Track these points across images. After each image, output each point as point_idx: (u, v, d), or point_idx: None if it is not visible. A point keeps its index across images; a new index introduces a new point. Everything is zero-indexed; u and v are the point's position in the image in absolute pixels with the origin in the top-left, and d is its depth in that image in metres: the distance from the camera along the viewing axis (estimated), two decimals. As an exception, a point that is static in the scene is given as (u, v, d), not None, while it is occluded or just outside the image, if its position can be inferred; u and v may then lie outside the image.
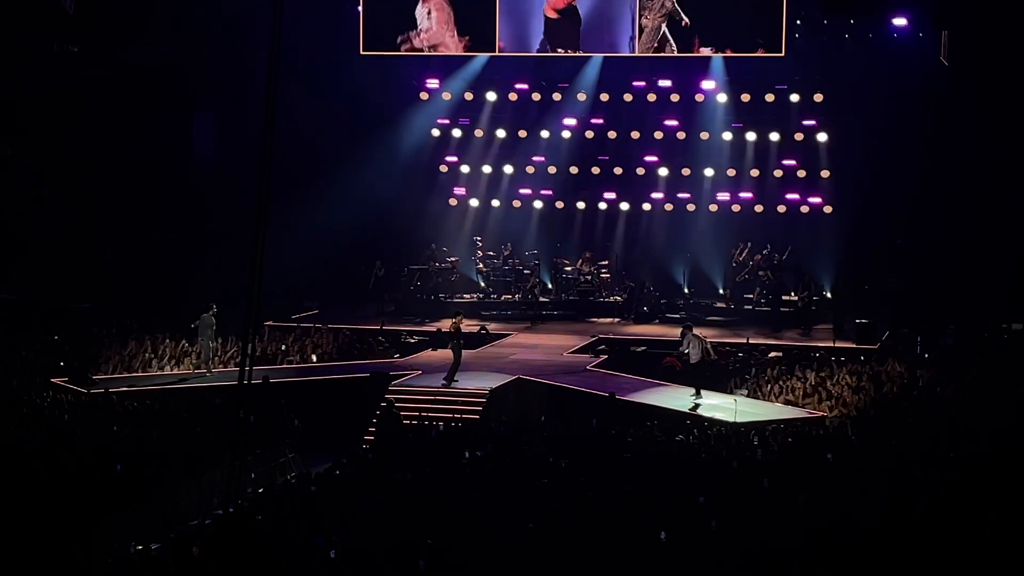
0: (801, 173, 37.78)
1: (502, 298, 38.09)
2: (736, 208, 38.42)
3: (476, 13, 36.34)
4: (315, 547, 18.09)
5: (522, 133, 39.63)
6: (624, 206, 39.38)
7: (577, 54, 36.71)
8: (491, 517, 18.90)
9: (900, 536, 17.71)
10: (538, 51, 36.49)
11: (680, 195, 38.86)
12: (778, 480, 20.46)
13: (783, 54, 34.73)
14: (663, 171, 38.82)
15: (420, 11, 36.56)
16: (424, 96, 39.68)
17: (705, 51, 35.55)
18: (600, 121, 39.08)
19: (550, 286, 38.45)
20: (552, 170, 39.71)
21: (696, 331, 28.70)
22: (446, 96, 39.52)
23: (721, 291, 37.14)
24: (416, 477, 21.26)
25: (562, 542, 17.91)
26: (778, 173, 37.97)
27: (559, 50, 36.25)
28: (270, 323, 33.46)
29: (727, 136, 38.17)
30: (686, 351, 28.27)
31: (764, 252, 36.48)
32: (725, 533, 18.08)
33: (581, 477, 20.97)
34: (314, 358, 31.80)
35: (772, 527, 18.25)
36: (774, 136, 37.85)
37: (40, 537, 19.25)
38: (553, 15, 36.03)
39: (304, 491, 21.20)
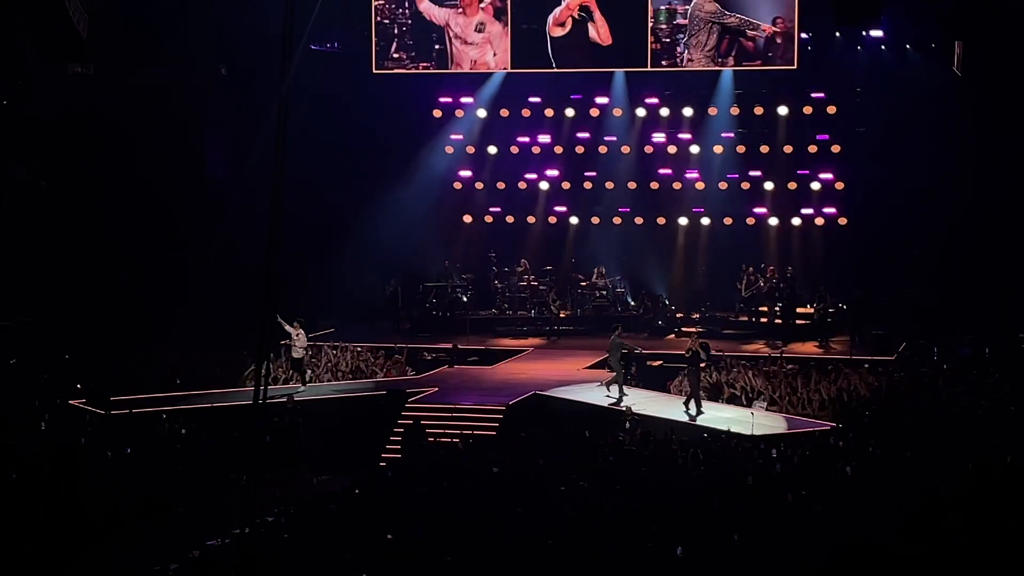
0: (815, 186, 37.74)
1: (517, 314, 38.08)
2: (750, 221, 38.37)
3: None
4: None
5: (535, 149, 39.64)
6: (639, 220, 39.36)
7: (589, 70, 36.70)
8: (510, 533, 18.87)
9: (926, 549, 17.62)
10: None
11: (694, 209, 38.83)
12: (799, 494, 20.38)
13: (795, 66, 34.70)
14: (677, 185, 38.81)
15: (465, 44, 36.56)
16: (437, 113, 39.73)
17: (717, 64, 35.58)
18: (613, 137, 39.10)
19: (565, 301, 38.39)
20: (566, 185, 39.71)
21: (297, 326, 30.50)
22: (459, 113, 39.57)
23: (740, 305, 37.03)
24: (436, 494, 21.26)
25: (580, 557, 17.87)
26: (792, 186, 37.93)
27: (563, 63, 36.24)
28: (286, 342, 33.49)
29: (740, 149, 38.14)
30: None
31: (771, 270, 36.54)
32: (746, 548, 18.02)
33: (598, 492, 20.92)
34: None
35: (794, 541, 18.18)
36: (787, 149, 37.81)
37: (58, 559, 19.27)
38: (559, 32, 35.95)
39: (323, 510, 21.17)
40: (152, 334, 34.06)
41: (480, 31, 36.23)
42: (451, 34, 36.44)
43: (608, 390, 29.10)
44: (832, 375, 30.11)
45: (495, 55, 36.18)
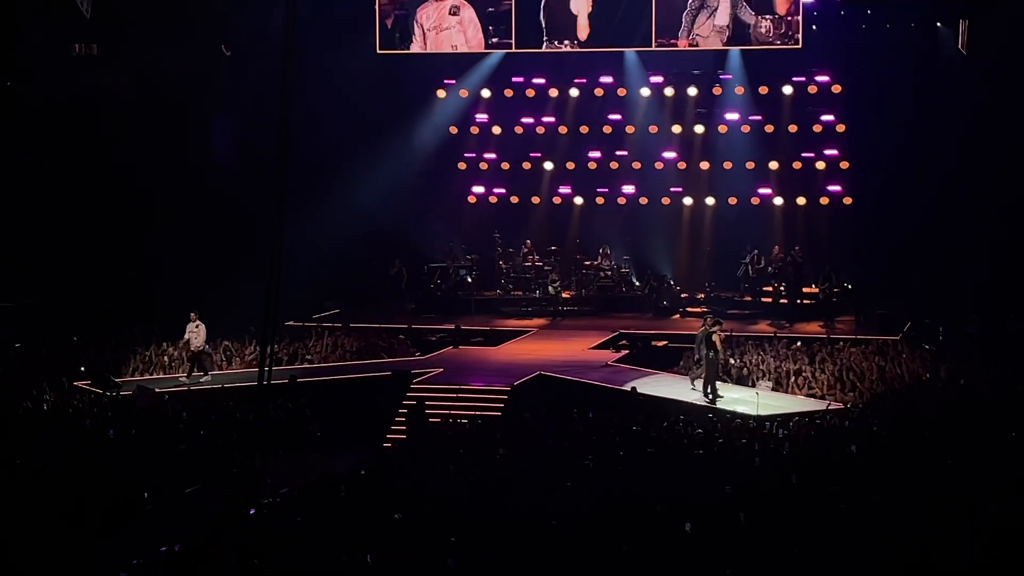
0: (820, 165, 37.68)
1: (522, 294, 38.08)
2: (755, 201, 38.33)
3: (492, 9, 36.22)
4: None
5: (540, 129, 39.62)
6: (643, 200, 39.32)
7: (593, 49, 36.47)
8: (515, 514, 18.87)
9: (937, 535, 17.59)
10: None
11: (699, 189, 38.77)
12: (806, 474, 20.36)
13: (800, 46, 34.58)
14: (682, 165, 38.77)
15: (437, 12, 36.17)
16: (441, 94, 39.70)
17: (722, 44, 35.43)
18: (618, 116, 39.07)
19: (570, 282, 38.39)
20: (571, 165, 39.69)
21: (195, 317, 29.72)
22: (463, 93, 39.53)
23: (744, 285, 36.99)
24: (441, 475, 21.25)
25: (586, 538, 17.88)
26: (797, 165, 37.88)
27: (565, 43, 35.84)
28: (291, 323, 33.54)
29: (745, 129, 38.09)
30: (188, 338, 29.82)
31: (776, 250, 36.48)
32: (753, 528, 18.00)
33: (604, 472, 20.92)
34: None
35: (802, 522, 18.16)
36: (792, 128, 37.76)
37: (61, 542, 19.29)
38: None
39: (331, 492, 21.16)
40: (155, 317, 34.03)
41: (455, 14, 36.07)
42: (424, 28, 36.16)
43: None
44: (837, 355, 30.09)
45: (469, 38, 35.95)
